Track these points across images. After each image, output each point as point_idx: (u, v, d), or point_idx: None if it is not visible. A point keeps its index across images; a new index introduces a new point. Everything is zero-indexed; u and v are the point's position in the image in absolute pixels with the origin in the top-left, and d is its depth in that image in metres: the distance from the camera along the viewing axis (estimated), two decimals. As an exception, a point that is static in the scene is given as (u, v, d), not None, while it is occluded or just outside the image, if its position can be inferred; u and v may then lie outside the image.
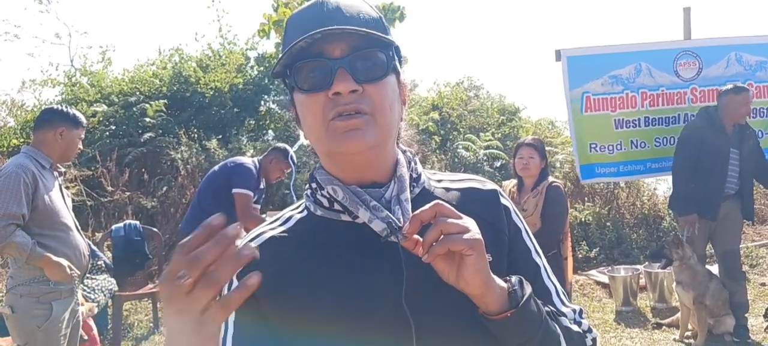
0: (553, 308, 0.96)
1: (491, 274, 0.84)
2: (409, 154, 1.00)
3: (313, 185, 0.96)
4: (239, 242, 0.67)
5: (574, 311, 1.00)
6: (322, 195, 0.94)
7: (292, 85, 0.90)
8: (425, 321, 0.87)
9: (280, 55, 0.89)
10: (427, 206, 0.82)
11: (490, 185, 1.05)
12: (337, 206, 0.92)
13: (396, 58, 0.93)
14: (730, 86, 4.61)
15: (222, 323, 0.69)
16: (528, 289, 0.87)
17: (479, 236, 0.82)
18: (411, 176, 0.97)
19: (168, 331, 0.71)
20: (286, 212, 1.02)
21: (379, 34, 0.87)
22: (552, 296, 0.99)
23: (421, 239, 0.81)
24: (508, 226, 1.01)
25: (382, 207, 0.89)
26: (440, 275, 0.83)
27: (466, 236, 0.80)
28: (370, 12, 0.91)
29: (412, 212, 0.85)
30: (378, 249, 0.89)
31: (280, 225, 0.98)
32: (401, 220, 0.88)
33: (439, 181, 1.04)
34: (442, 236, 0.80)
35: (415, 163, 1.00)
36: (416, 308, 0.87)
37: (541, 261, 1.02)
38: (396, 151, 0.98)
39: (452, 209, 0.83)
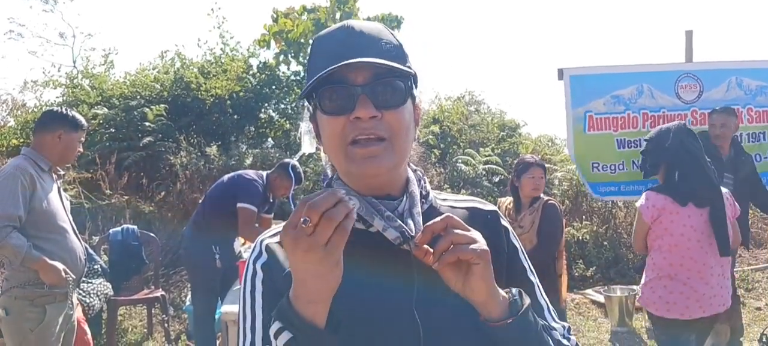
0: (545, 323, 1.03)
1: (495, 283, 0.92)
2: (419, 173, 1.07)
3: None
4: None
5: (564, 327, 1.07)
6: None
7: (316, 107, 0.97)
8: (433, 327, 0.94)
9: (307, 82, 0.95)
10: (438, 218, 0.89)
11: (490, 206, 1.14)
12: None
13: (413, 85, 0.99)
14: (716, 109, 4.67)
15: (342, 247, 0.79)
16: (527, 300, 0.95)
17: (486, 247, 0.89)
18: (420, 192, 1.04)
19: (297, 275, 0.82)
20: None
21: (399, 66, 0.93)
22: (544, 312, 1.07)
23: (431, 250, 0.88)
24: (507, 245, 1.09)
25: (395, 218, 0.96)
26: (447, 282, 0.90)
27: (473, 246, 0.88)
28: (391, 39, 0.98)
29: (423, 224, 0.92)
30: (389, 257, 0.94)
31: None
32: (413, 231, 0.94)
33: (444, 199, 1.12)
34: (452, 246, 0.87)
35: (425, 182, 1.08)
36: (425, 314, 0.94)
37: (535, 279, 1.11)
38: (407, 169, 1.05)
39: (461, 221, 0.90)
